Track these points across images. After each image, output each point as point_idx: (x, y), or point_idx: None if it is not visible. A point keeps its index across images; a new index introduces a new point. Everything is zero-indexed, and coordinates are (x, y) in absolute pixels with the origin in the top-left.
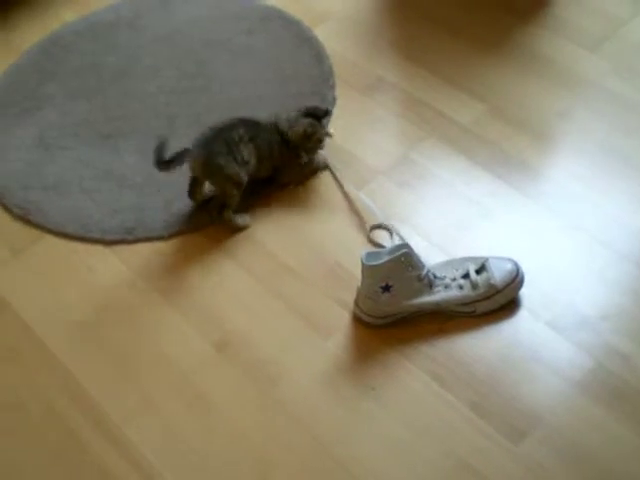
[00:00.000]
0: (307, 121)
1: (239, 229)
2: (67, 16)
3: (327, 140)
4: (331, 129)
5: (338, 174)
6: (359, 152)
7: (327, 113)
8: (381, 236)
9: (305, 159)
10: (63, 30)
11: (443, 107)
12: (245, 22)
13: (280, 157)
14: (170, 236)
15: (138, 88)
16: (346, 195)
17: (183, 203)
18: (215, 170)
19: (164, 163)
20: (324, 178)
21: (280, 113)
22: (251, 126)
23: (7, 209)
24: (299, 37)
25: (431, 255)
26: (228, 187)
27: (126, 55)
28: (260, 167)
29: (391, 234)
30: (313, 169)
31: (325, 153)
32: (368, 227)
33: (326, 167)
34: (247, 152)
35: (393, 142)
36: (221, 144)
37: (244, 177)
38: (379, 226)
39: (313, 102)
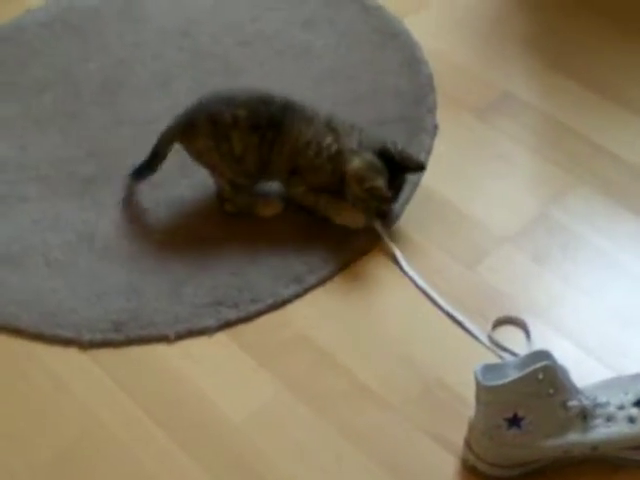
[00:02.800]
0: (370, 159)
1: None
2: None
3: (423, 188)
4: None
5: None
6: (472, 209)
7: (418, 168)
8: (507, 338)
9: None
10: (25, 20)
11: (603, 138)
12: (301, 9)
13: (311, 166)
14: (179, 336)
15: (134, 109)
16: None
17: (200, 284)
18: (191, 148)
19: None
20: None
21: (356, 126)
22: (266, 111)
23: None
24: (382, 31)
25: (586, 369)
26: (216, 176)
27: (116, 59)
28: (270, 166)
29: (528, 335)
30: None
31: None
32: (491, 323)
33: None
34: (241, 145)
35: (525, 193)
36: (204, 119)
37: (235, 175)
38: (507, 320)
39: (401, 137)
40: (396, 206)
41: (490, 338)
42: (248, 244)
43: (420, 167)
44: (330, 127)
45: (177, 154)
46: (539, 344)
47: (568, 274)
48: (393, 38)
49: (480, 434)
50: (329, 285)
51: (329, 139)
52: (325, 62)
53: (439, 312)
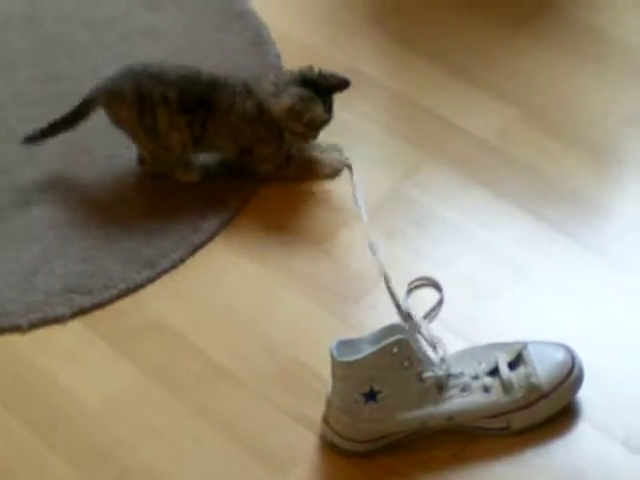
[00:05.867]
0: (299, 92)
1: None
2: None
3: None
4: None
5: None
6: (321, 187)
7: (342, 85)
8: (368, 309)
9: (291, 148)
10: None
11: (452, 114)
12: None
13: (251, 137)
14: (32, 325)
15: None
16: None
17: (53, 272)
18: (114, 115)
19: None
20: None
21: (267, 74)
22: (195, 92)
23: None
24: (228, 12)
25: (440, 340)
26: (137, 144)
27: None
28: (208, 144)
29: (440, 292)
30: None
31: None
32: (347, 301)
33: (337, 171)
34: (165, 122)
35: (377, 170)
36: (131, 90)
37: (157, 148)
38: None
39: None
40: (249, 182)
41: (404, 304)
42: (98, 230)
43: (345, 83)
44: (247, 90)
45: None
46: (394, 319)
47: (420, 248)
48: (239, 18)
49: (337, 410)
50: (181, 268)
51: (250, 103)
52: (172, 44)
53: (292, 291)
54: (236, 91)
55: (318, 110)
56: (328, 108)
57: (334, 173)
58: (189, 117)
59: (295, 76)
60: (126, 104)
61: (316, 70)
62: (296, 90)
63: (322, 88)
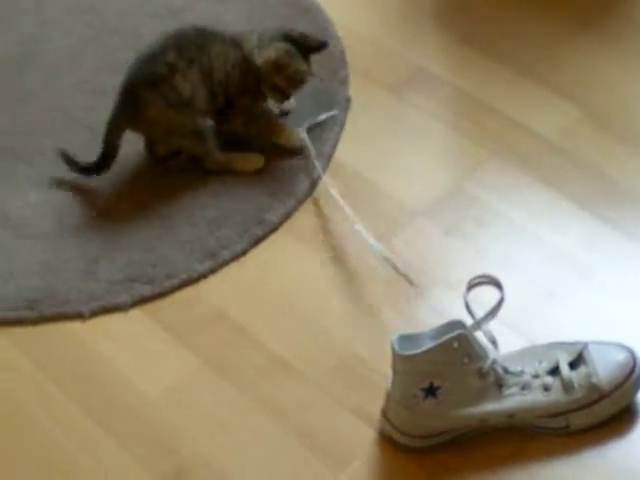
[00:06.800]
0: (283, 46)
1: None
2: None
3: (335, 163)
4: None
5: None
6: (386, 183)
7: (321, 47)
8: (429, 305)
9: (265, 106)
10: None
11: (516, 113)
12: None
13: (237, 86)
14: (93, 313)
15: (43, 86)
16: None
17: (115, 261)
18: (145, 124)
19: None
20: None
21: (252, 30)
22: (190, 42)
23: None
24: (293, 5)
25: (500, 339)
26: (177, 141)
27: (21, 37)
28: (217, 95)
29: (501, 290)
30: (276, 130)
31: (302, 131)
32: (404, 296)
33: (298, 149)
34: (188, 85)
35: (439, 167)
36: (143, 87)
37: (197, 122)
38: (481, 281)
39: (313, 110)
40: (309, 178)
41: (466, 301)
42: (162, 220)
43: (323, 45)
44: (234, 42)
45: (89, 132)
46: (454, 316)
47: (481, 246)
48: (305, 13)
49: (397, 405)
50: (243, 260)
51: (237, 53)
52: None
53: (354, 284)
54: (225, 40)
55: (302, 65)
56: (308, 67)
57: (290, 141)
58: (197, 68)
59: (278, 33)
60: (148, 103)
61: (297, 31)
62: (281, 45)
63: (302, 48)
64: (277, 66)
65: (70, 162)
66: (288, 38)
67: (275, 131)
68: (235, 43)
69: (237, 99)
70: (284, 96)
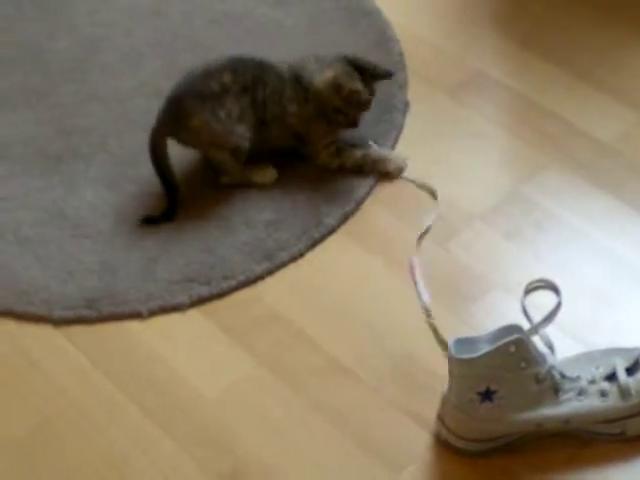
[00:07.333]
0: (341, 66)
1: (256, 186)
2: None
3: (393, 165)
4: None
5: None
6: (444, 186)
7: (385, 75)
8: (486, 309)
9: (338, 134)
10: None
11: (575, 117)
12: None
13: (302, 120)
14: (152, 313)
15: (104, 87)
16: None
17: (173, 261)
18: (186, 133)
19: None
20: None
21: (310, 56)
22: (247, 70)
23: None
24: (353, 10)
25: (557, 344)
26: (212, 151)
27: (86, 37)
28: (270, 132)
29: (558, 294)
30: (359, 160)
31: (400, 155)
32: (462, 299)
33: (401, 168)
34: (237, 107)
35: (497, 171)
36: (191, 98)
37: (238, 139)
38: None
39: (372, 113)
40: (366, 183)
41: (523, 305)
42: (220, 221)
43: (388, 74)
44: (294, 75)
45: (147, 134)
46: (511, 320)
47: (539, 251)
48: (364, 16)
49: (453, 408)
50: (300, 262)
51: (296, 84)
52: (295, 41)
53: (409, 288)
54: (283, 74)
55: (358, 85)
56: (371, 94)
57: (398, 170)
58: (250, 97)
59: (339, 56)
60: (193, 114)
61: (361, 57)
62: (339, 65)
63: (366, 73)
64: (334, 86)
65: (151, 220)
66: (349, 62)
67: (373, 161)
68: (295, 72)
69: (306, 134)
70: (349, 120)
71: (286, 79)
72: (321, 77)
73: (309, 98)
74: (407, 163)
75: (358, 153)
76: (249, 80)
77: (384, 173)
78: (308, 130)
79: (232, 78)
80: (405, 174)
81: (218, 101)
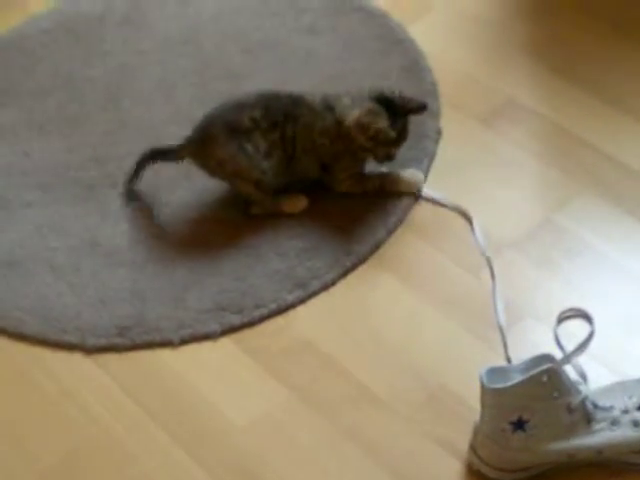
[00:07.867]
0: (368, 105)
1: (285, 214)
2: (33, 6)
3: (412, 180)
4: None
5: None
6: (475, 214)
7: (419, 109)
8: (518, 338)
9: (363, 166)
10: (27, 27)
11: (607, 145)
12: (306, 15)
13: (331, 154)
14: (183, 341)
15: (138, 115)
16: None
17: (204, 290)
18: (210, 161)
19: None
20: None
21: (348, 92)
22: (280, 107)
23: None
24: (385, 38)
25: (590, 374)
26: (238, 184)
27: (121, 66)
28: (299, 164)
29: (591, 324)
30: (380, 186)
31: (417, 174)
32: (492, 329)
33: (414, 186)
34: (265, 142)
35: (528, 199)
36: (220, 129)
37: (261, 173)
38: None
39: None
40: (397, 210)
41: (556, 334)
42: (252, 249)
43: (422, 107)
44: (327, 107)
45: (181, 163)
46: (544, 349)
47: (572, 280)
48: (396, 45)
49: (485, 438)
50: (332, 290)
51: (329, 117)
52: (328, 69)
53: (442, 316)
54: (316, 107)
55: (383, 124)
56: (402, 128)
57: (411, 188)
58: (279, 133)
59: (373, 93)
60: (220, 144)
61: (396, 92)
62: (367, 104)
63: (398, 109)
64: (360, 126)
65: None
66: (382, 98)
67: (390, 181)
68: (328, 106)
69: (332, 165)
70: (382, 156)
71: (318, 111)
72: (349, 116)
73: (341, 134)
74: (422, 177)
75: (376, 176)
76: (280, 116)
77: (404, 191)
78: (337, 162)
79: (263, 114)
80: (435, 196)
81: (246, 135)
